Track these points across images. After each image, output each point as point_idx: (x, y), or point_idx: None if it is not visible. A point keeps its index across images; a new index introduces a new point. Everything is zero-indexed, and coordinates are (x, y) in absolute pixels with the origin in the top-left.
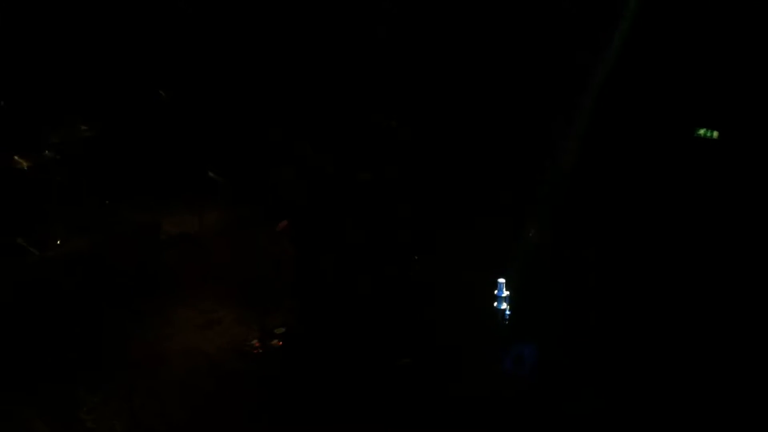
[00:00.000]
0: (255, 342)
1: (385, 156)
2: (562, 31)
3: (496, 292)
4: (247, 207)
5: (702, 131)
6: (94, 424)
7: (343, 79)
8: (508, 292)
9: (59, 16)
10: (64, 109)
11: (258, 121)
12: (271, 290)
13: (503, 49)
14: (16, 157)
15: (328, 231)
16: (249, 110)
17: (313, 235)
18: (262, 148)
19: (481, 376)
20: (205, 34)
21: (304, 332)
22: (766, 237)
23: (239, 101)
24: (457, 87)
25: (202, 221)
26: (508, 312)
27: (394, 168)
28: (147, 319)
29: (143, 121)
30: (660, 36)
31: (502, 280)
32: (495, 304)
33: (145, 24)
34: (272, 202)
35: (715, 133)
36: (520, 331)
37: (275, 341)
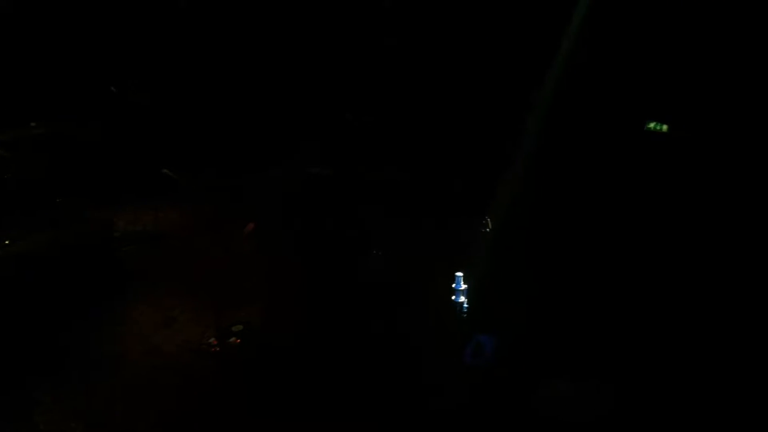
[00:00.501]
0: (212, 340)
1: (349, 151)
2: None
3: (453, 285)
4: (211, 207)
5: (652, 125)
6: (49, 426)
7: (327, 77)
8: (465, 285)
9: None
10: (13, 105)
11: (227, 119)
12: (230, 289)
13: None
14: None
15: (294, 229)
16: (216, 107)
17: (279, 234)
18: (231, 147)
19: (444, 368)
20: (162, 29)
21: (263, 330)
22: (714, 223)
23: (204, 98)
24: (423, 82)
25: (161, 219)
26: (465, 305)
27: (355, 162)
28: (102, 317)
29: (97, 117)
30: (610, 29)
31: (459, 274)
32: (453, 297)
33: (99, 18)
34: (240, 203)
35: (665, 127)
36: (478, 323)
37: (233, 339)
